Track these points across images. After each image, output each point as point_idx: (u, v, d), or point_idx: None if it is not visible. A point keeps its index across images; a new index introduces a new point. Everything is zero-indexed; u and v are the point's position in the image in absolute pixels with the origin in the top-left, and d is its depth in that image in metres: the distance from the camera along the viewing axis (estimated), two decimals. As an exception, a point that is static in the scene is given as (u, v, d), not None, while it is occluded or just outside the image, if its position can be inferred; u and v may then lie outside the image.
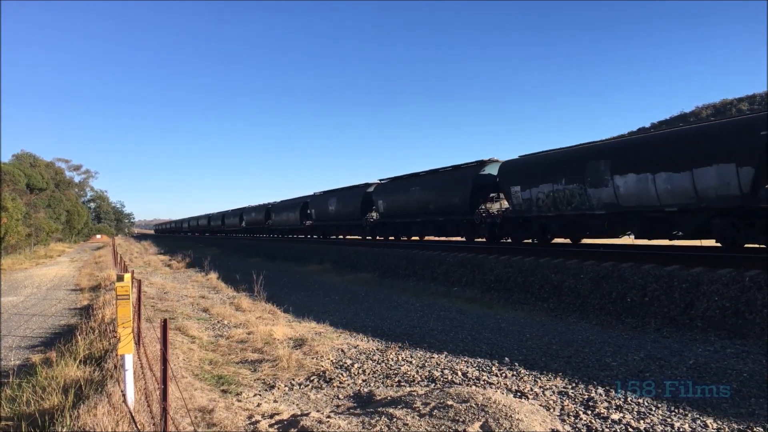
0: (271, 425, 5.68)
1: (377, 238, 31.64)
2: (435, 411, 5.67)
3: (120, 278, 5.93)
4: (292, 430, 5.49)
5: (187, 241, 74.91)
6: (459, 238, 25.34)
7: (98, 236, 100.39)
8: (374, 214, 31.64)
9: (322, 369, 8.01)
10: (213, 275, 22.77)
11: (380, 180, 31.88)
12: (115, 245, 42.94)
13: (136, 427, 4.83)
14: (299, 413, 6.03)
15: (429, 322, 11.83)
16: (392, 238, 30.14)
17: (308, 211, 41.47)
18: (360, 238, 34.02)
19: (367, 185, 32.71)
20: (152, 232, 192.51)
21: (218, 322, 12.36)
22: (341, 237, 38.24)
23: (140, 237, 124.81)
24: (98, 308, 12.23)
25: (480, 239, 22.96)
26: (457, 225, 23.79)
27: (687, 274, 11.14)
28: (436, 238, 27.85)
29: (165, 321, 4.50)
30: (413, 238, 28.92)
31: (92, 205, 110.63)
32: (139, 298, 7.79)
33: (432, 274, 19.12)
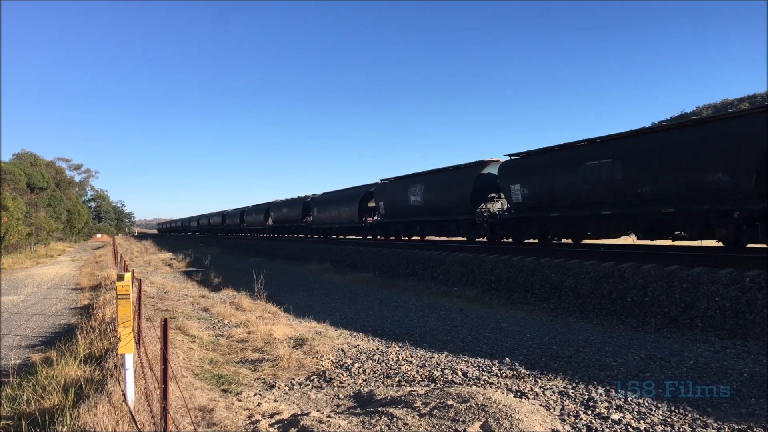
0: (271, 425, 5.68)
1: (504, 239, 21.75)
2: (435, 411, 5.67)
3: (120, 277, 5.92)
4: (293, 429, 5.49)
5: (194, 241, 71.25)
6: (712, 242, 15.53)
7: (99, 235, 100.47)
8: (496, 205, 22.51)
9: (322, 368, 8.01)
10: (213, 274, 22.79)
11: (509, 155, 21.52)
12: (115, 244, 42.96)
13: (137, 426, 4.83)
14: (299, 413, 6.03)
15: (429, 322, 11.84)
16: (536, 240, 20.19)
17: (370, 205, 32.94)
18: (464, 240, 24.05)
19: (482, 164, 22.92)
20: (154, 231, 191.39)
21: (218, 321, 12.36)
22: (420, 239, 28.25)
23: (142, 237, 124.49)
24: (98, 307, 12.24)
25: None
26: (706, 220, 13.94)
27: (687, 274, 11.14)
28: (647, 242, 17.09)
29: (165, 320, 4.50)
30: (570, 240, 19.41)
31: (93, 204, 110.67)
32: (139, 298, 7.78)
33: (432, 273, 19.13)
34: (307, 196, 43.85)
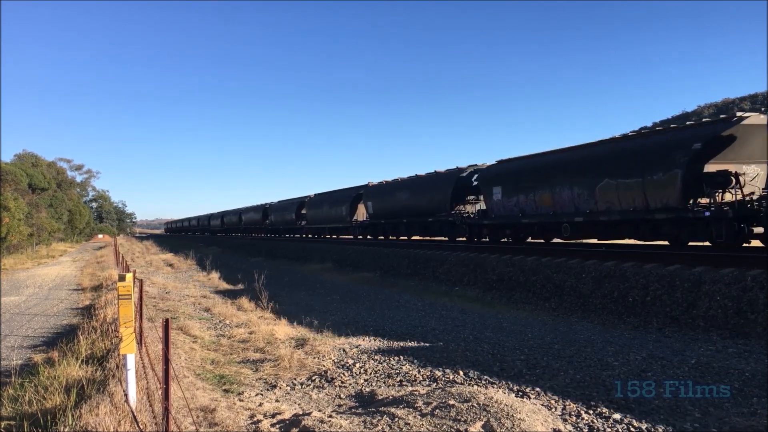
0: (272, 425, 5.68)
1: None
2: (437, 410, 5.67)
3: (122, 278, 5.93)
4: (294, 429, 5.49)
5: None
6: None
7: (100, 236, 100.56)
8: None
9: (323, 368, 8.02)
10: (215, 274, 22.80)
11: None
12: (116, 245, 42.99)
13: (138, 426, 4.84)
14: (301, 413, 6.03)
15: (430, 322, 11.83)
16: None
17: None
18: None
19: None
20: (156, 231, 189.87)
21: (220, 321, 12.37)
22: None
23: (145, 237, 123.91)
24: (100, 308, 12.24)
25: None
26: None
27: (689, 273, 11.13)
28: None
29: (167, 320, 4.50)
30: None
31: (94, 204, 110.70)
32: (140, 298, 7.78)
33: (434, 273, 19.12)
34: (461, 169, 24.74)
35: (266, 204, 55.06)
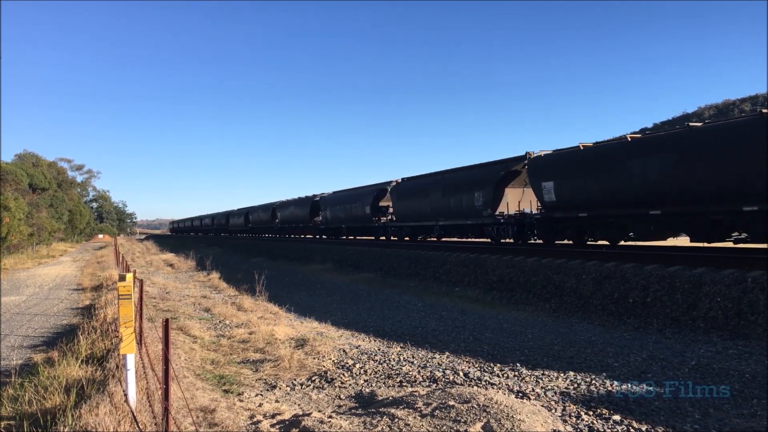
0: (272, 425, 5.68)
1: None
2: (437, 411, 5.66)
3: (122, 278, 5.93)
4: (294, 430, 5.49)
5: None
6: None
7: (100, 236, 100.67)
8: None
9: (323, 369, 8.01)
10: (215, 275, 22.80)
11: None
12: (117, 245, 43.00)
13: (138, 426, 4.84)
14: (301, 413, 6.03)
15: (431, 322, 11.83)
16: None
17: None
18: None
19: None
20: (157, 231, 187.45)
21: (220, 321, 12.37)
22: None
23: (145, 237, 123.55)
24: (100, 308, 12.24)
25: None
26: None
27: (689, 274, 11.12)
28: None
29: (167, 321, 4.50)
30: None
31: (94, 204, 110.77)
32: (141, 298, 7.77)
33: (434, 273, 19.12)
34: None
35: (315, 196, 39.97)
